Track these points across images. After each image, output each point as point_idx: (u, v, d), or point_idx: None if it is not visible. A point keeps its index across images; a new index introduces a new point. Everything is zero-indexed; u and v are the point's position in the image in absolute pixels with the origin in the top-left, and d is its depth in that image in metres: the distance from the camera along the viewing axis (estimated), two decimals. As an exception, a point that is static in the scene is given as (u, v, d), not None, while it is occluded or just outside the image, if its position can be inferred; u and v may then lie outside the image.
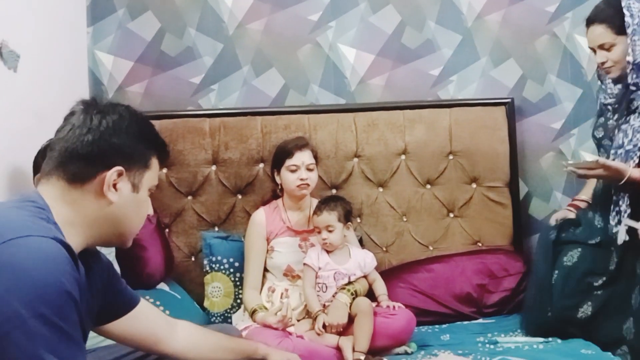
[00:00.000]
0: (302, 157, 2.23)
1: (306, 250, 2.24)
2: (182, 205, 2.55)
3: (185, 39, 2.66)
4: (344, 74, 2.69)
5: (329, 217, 2.13)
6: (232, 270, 2.39)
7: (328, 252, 2.18)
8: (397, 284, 2.35)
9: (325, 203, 2.18)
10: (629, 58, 1.78)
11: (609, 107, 1.91)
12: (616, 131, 1.83)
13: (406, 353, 2.06)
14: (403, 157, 2.61)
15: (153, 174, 1.20)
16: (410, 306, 2.21)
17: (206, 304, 2.41)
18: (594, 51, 1.88)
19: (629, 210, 1.76)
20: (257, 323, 2.06)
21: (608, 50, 1.82)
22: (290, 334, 2.02)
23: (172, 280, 2.45)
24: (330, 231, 2.14)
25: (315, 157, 2.30)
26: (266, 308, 2.11)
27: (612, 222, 1.79)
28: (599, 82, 2.04)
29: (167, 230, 2.55)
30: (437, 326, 2.30)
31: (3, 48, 1.95)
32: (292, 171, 2.22)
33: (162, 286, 2.36)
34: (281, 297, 2.19)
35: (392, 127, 2.59)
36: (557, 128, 2.69)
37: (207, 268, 2.41)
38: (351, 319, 2.08)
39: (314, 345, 2.01)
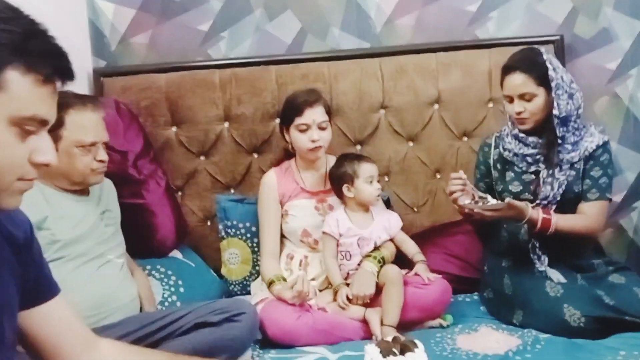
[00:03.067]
0: (313, 115, 1.98)
1: (323, 212, 2.02)
2: (194, 167, 2.36)
3: (191, -19, 2.40)
4: (368, 13, 2.40)
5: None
6: (249, 235, 2.21)
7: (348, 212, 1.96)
8: (430, 249, 2.12)
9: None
10: (555, 112, 1.76)
11: (528, 158, 1.84)
12: (541, 184, 1.81)
13: (441, 326, 1.86)
14: (436, 106, 2.34)
15: (14, 97, 0.81)
16: (444, 273, 1.99)
17: (223, 271, 2.24)
18: (510, 100, 1.83)
19: (546, 260, 1.82)
20: (274, 295, 1.87)
21: (528, 100, 1.79)
22: (310, 307, 1.83)
23: (187, 247, 2.29)
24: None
25: (329, 112, 2.05)
26: (284, 279, 1.92)
27: (540, 268, 1.82)
28: (504, 132, 1.94)
29: (179, 193, 2.37)
30: (475, 295, 2.07)
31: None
32: (302, 131, 1.97)
33: (175, 254, 2.20)
34: (300, 265, 2.00)
35: (423, 72, 2.31)
36: (612, 69, 2.38)
37: (223, 233, 2.23)
38: (379, 289, 1.88)
39: (338, 319, 1.82)
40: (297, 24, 2.41)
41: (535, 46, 1.89)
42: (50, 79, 0.84)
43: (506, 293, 1.86)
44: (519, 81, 1.81)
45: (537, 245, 1.82)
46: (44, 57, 0.83)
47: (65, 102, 1.66)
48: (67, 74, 0.87)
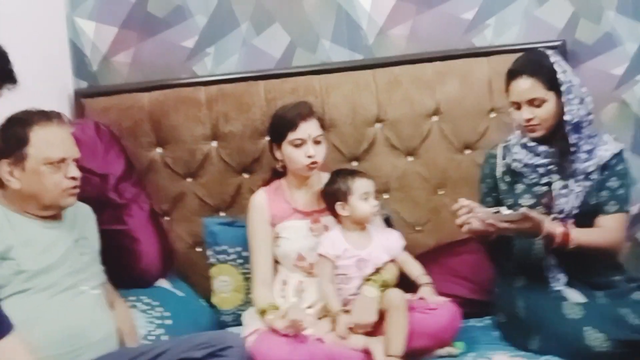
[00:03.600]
0: (309, 129, 1.85)
1: (318, 234, 1.88)
2: (181, 189, 2.23)
3: (174, -4, 2.30)
4: (360, 24, 2.30)
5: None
6: (240, 261, 2.06)
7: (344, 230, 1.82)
8: (436, 270, 1.96)
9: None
10: (567, 117, 1.65)
11: (539, 169, 1.71)
12: (554, 196, 1.68)
13: (451, 356, 1.70)
14: (434, 118, 2.22)
15: None
16: (453, 296, 1.83)
17: (214, 300, 2.10)
18: (517, 106, 1.70)
19: (563, 280, 1.69)
20: (266, 324, 1.72)
21: (538, 106, 1.67)
22: (306, 337, 1.67)
23: (175, 275, 2.15)
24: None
25: (322, 125, 1.93)
26: (277, 307, 1.76)
27: (557, 288, 1.69)
28: (510, 141, 1.82)
29: (166, 218, 2.24)
30: (487, 319, 1.92)
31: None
32: (297, 146, 1.84)
33: (162, 283, 2.06)
34: (295, 292, 1.84)
35: (419, 83, 2.19)
36: (618, 74, 2.27)
37: (213, 259, 2.09)
38: (381, 315, 1.72)
39: (337, 350, 1.66)
40: (286, 37, 2.31)
41: (541, 49, 1.77)
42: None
43: (520, 317, 1.71)
44: (526, 86, 1.69)
45: (553, 262, 1.67)
46: None
47: (29, 118, 1.56)
48: (8, 76, 0.78)
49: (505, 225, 1.60)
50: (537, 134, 1.72)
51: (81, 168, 1.90)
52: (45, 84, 2.10)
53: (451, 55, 2.23)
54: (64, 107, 2.18)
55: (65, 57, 2.30)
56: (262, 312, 1.75)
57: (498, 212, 1.64)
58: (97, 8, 2.30)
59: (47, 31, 2.19)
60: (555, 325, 1.60)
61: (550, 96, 1.68)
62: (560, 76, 1.66)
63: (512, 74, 1.73)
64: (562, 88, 1.66)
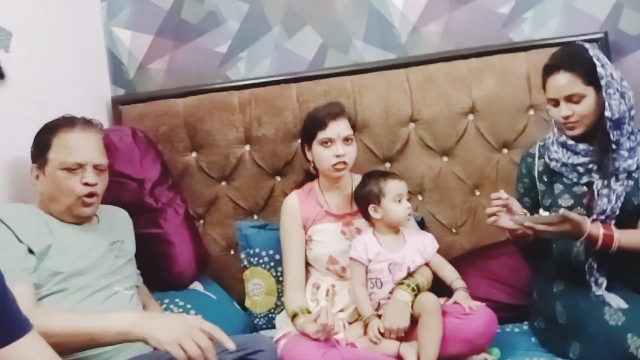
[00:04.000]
0: (338, 128, 1.83)
1: (350, 237, 1.85)
2: (215, 193, 2.25)
3: (207, 3, 2.33)
4: (392, 23, 2.26)
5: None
6: (272, 264, 2.06)
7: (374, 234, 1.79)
8: (472, 273, 1.91)
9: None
10: (608, 113, 1.56)
11: (579, 168, 1.63)
12: (596, 196, 1.59)
13: (486, 362, 1.64)
14: (471, 116, 2.15)
15: None
16: (489, 300, 1.78)
17: (247, 303, 2.10)
18: (555, 103, 1.63)
19: (604, 283, 1.60)
20: (297, 328, 1.71)
21: (576, 102, 1.59)
22: (337, 342, 1.65)
23: (209, 278, 2.16)
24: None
25: (354, 126, 1.90)
26: (309, 311, 1.75)
27: (598, 293, 1.59)
28: (548, 140, 1.73)
29: (201, 221, 2.26)
30: (525, 324, 1.84)
31: (-12, 25, 1.69)
32: (326, 146, 1.83)
33: (196, 286, 2.08)
34: (327, 295, 1.83)
35: (455, 80, 2.13)
36: (666, 66, 2.14)
37: (245, 262, 2.10)
38: (414, 320, 1.68)
39: (369, 355, 1.63)
40: (318, 39, 2.30)
41: (579, 42, 1.68)
42: None
43: (559, 322, 1.63)
44: (564, 81, 1.61)
45: (594, 266, 1.59)
46: None
47: (56, 124, 1.62)
48: None
49: (543, 227, 1.53)
50: (577, 131, 1.64)
51: (119, 173, 1.96)
52: (83, 92, 2.17)
53: (487, 51, 2.16)
54: (102, 115, 2.24)
55: (103, 66, 2.37)
56: (293, 316, 1.74)
57: (536, 212, 1.58)
58: (133, 17, 2.36)
59: (85, 40, 2.25)
60: (596, 332, 1.51)
61: (589, 91, 1.59)
62: (599, 70, 1.58)
63: (549, 70, 1.65)
64: (602, 82, 1.57)
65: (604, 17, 2.17)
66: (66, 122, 1.61)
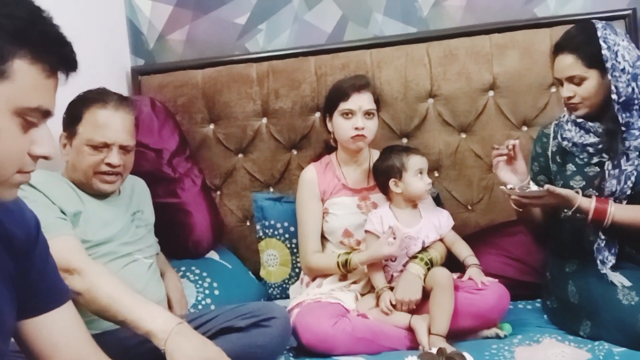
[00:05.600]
0: (360, 101, 1.82)
1: (366, 211, 1.86)
2: (232, 165, 2.27)
3: (227, -27, 2.32)
4: (414, -4, 2.23)
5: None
6: (287, 235, 2.08)
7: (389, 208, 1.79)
8: (486, 250, 1.91)
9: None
10: (614, 97, 1.55)
11: (589, 148, 1.62)
12: (607, 177, 1.58)
13: (497, 337, 1.64)
14: (491, 93, 2.12)
15: (20, 87, 0.77)
16: (502, 277, 1.78)
17: (262, 273, 2.13)
18: (560, 83, 1.64)
19: (612, 262, 1.58)
20: (362, 264, 1.76)
21: (577, 84, 1.60)
22: (348, 311, 1.67)
23: (225, 248, 2.20)
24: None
25: (377, 101, 1.89)
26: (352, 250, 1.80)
27: (602, 271, 1.58)
28: (563, 118, 1.73)
29: (218, 192, 2.29)
30: (538, 302, 1.84)
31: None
32: (347, 117, 1.82)
33: (212, 255, 2.11)
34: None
35: (476, 56, 2.10)
36: (697, 44, 2.07)
37: (261, 234, 2.12)
38: (426, 293, 1.69)
39: (380, 326, 1.65)
40: (338, 12, 2.27)
41: (595, 21, 1.64)
42: (55, 69, 0.81)
43: (571, 301, 1.62)
44: (566, 62, 1.60)
45: (603, 244, 1.58)
46: (49, 45, 0.79)
47: (91, 97, 1.61)
48: (71, 64, 0.83)
49: (528, 201, 1.57)
50: (580, 112, 1.63)
51: (137, 143, 1.96)
52: (104, 62, 2.18)
53: (511, 27, 2.13)
54: (122, 85, 2.26)
55: (123, 36, 2.38)
56: (345, 263, 1.77)
57: (527, 185, 1.63)
58: (154, -14, 2.36)
59: (106, 10, 2.26)
60: (608, 311, 1.50)
61: (592, 74, 1.57)
62: (604, 52, 1.54)
63: (556, 49, 1.64)
64: (607, 65, 1.54)
65: (633, -7, 2.11)
66: (100, 98, 1.60)
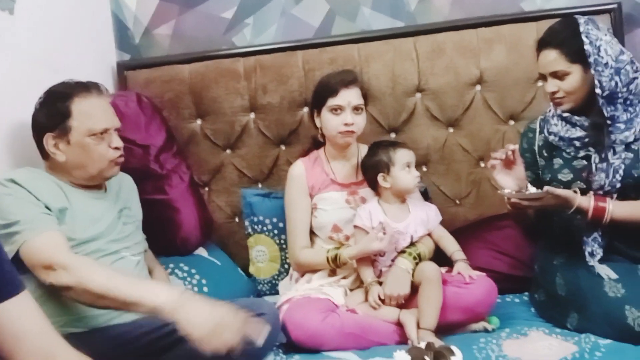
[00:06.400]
0: (349, 96, 1.82)
1: (355, 206, 1.86)
2: (220, 160, 2.26)
3: (213, -34, 2.29)
4: (402, -10, 2.22)
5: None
6: (276, 232, 2.08)
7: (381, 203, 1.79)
8: (475, 244, 1.92)
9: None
10: (598, 91, 1.56)
11: (575, 142, 1.63)
12: (594, 170, 1.59)
13: (486, 330, 1.66)
14: (478, 87, 2.13)
15: None
16: (491, 271, 1.79)
17: (251, 269, 2.13)
18: (545, 78, 1.66)
19: (600, 254, 1.60)
20: (351, 259, 1.76)
21: (561, 79, 1.61)
22: (337, 306, 1.67)
23: (214, 245, 2.18)
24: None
25: (365, 96, 1.89)
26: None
27: (590, 263, 1.59)
28: (548, 113, 1.73)
29: (206, 189, 2.27)
30: (525, 295, 1.85)
31: (-10, -14, 1.68)
32: (335, 113, 1.82)
33: (200, 252, 2.10)
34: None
35: (463, 50, 2.11)
36: (681, 38, 2.09)
37: (250, 230, 2.11)
38: (415, 288, 1.70)
39: (369, 321, 1.66)
40: (325, 6, 2.26)
41: (577, 16, 1.65)
42: None
43: (559, 294, 1.64)
44: (550, 58, 1.61)
45: (590, 238, 1.59)
46: None
47: (68, 91, 1.58)
48: None
49: (528, 203, 1.56)
50: (564, 106, 1.64)
51: (124, 139, 1.94)
52: (89, 57, 2.16)
53: (498, 21, 2.13)
54: (107, 80, 2.23)
55: (108, 31, 2.35)
56: (335, 257, 1.77)
57: (525, 187, 1.61)
58: (139, -19, 2.33)
59: (91, 5, 2.23)
60: (595, 304, 1.52)
61: (575, 69, 1.59)
62: (587, 48, 1.55)
63: (540, 45, 1.66)
64: (590, 60, 1.56)
65: (620, -13, 2.12)
66: (80, 88, 1.58)
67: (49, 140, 1.56)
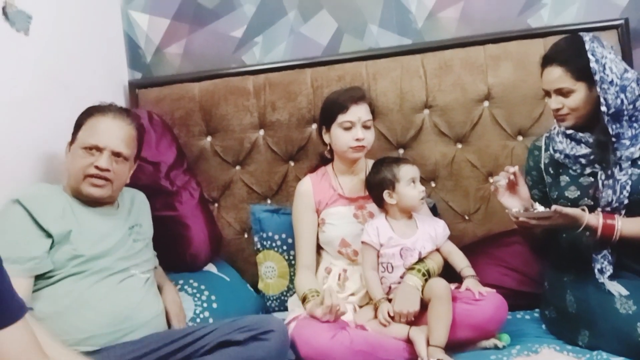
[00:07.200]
0: (359, 112, 1.84)
1: (363, 220, 1.86)
2: (229, 177, 2.27)
3: (223, -14, 2.34)
4: (409, 8, 2.25)
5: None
6: (285, 247, 2.08)
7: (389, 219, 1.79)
8: (484, 260, 1.91)
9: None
10: (604, 109, 1.56)
11: (581, 159, 1.63)
12: (601, 187, 1.58)
13: (496, 347, 1.64)
14: (486, 103, 2.14)
15: None
16: (500, 287, 1.78)
17: (260, 286, 2.13)
18: (548, 95, 1.66)
19: (610, 271, 1.58)
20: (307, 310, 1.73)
21: (565, 96, 1.61)
22: (347, 324, 1.66)
23: (223, 261, 2.19)
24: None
25: (373, 112, 1.90)
26: (318, 293, 1.76)
27: (600, 280, 1.58)
28: (553, 131, 1.73)
29: (215, 205, 2.29)
30: (536, 312, 1.84)
31: (8, 8, 1.73)
32: (346, 129, 1.83)
33: (210, 268, 2.11)
34: (339, 279, 1.84)
35: (471, 67, 2.12)
36: (690, 54, 2.10)
37: (259, 246, 2.12)
38: (424, 305, 1.69)
39: (378, 338, 1.65)
40: (333, 24, 2.29)
41: (583, 33, 1.65)
42: None
43: (570, 311, 1.62)
44: (554, 75, 1.61)
45: (600, 255, 1.58)
46: None
47: (94, 108, 1.67)
48: None
49: (536, 222, 1.56)
50: (567, 123, 1.64)
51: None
52: (101, 75, 2.20)
53: (504, 37, 2.15)
54: (119, 98, 2.27)
55: (120, 50, 2.39)
56: (304, 298, 1.76)
57: (532, 206, 1.61)
58: (150, 1, 2.37)
59: (103, 25, 2.28)
60: (606, 321, 1.51)
61: (580, 86, 1.58)
62: (593, 65, 1.55)
63: (544, 62, 1.65)
64: (595, 77, 1.55)
65: (625, 3, 2.13)
66: (103, 108, 1.67)
67: (66, 148, 1.68)
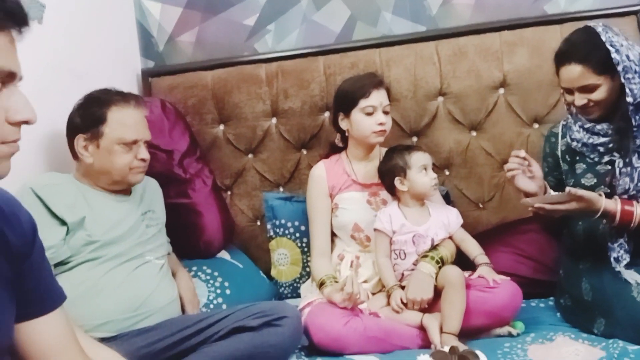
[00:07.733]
0: (380, 97, 1.84)
1: (376, 207, 1.86)
2: (242, 165, 2.28)
3: (236, -26, 2.33)
4: (422, -5, 2.22)
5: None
6: (297, 235, 2.09)
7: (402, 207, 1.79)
8: (498, 248, 1.90)
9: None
10: (629, 99, 1.50)
11: (599, 148, 1.60)
12: (618, 175, 1.55)
13: (510, 335, 1.64)
14: (501, 90, 2.12)
15: None
16: (515, 275, 1.77)
17: (273, 272, 2.14)
18: (569, 92, 1.60)
19: (627, 260, 1.55)
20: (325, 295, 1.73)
21: (590, 91, 1.55)
22: (361, 311, 1.66)
23: (236, 248, 2.20)
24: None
25: (389, 97, 1.90)
26: (335, 279, 1.77)
27: (617, 269, 1.55)
28: (568, 119, 1.70)
29: (228, 192, 2.29)
30: (550, 300, 1.83)
31: (22, -4, 1.73)
32: (368, 114, 1.83)
33: (223, 255, 2.12)
34: (351, 266, 1.84)
35: (486, 54, 2.10)
36: None
37: (272, 233, 2.12)
38: (437, 292, 1.68)
39: (392, 325, 1.65)
40: (346, 11, 2.27)
41: (594, 24, 1.60)
42: (4, 25, 0.76)
43: (585, 299, 1.61)
44: (575, 74, 1.55)
45: (616, 244, 1.56)
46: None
47: (108, 98, 1.64)
48: (19, 17, 0.78)
49: (552, 207, 1.52)
50: (594, 115, 1.60)
51: (148, 144, 2.00)
52: (115, 64, 2.20)
53: (520, 24, 2.12)
54: (132, 87, 2.28)
55: (133, 38, 2.39)
56: (321, 284, 1.76)
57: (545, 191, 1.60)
58: (163, -12, 2.37)
59: (116, 14, 2.28)
60: (622, 309, 1.49)
61: (603, 80, 1.53)
62: (614, 56, 1.50)
63: (560, 60, 1.59)
64: (619, 68, 1.51)
65: (645, -12, 2.09)
66: (120, 98, 1.64)
67: (79, 141, 1.62)
